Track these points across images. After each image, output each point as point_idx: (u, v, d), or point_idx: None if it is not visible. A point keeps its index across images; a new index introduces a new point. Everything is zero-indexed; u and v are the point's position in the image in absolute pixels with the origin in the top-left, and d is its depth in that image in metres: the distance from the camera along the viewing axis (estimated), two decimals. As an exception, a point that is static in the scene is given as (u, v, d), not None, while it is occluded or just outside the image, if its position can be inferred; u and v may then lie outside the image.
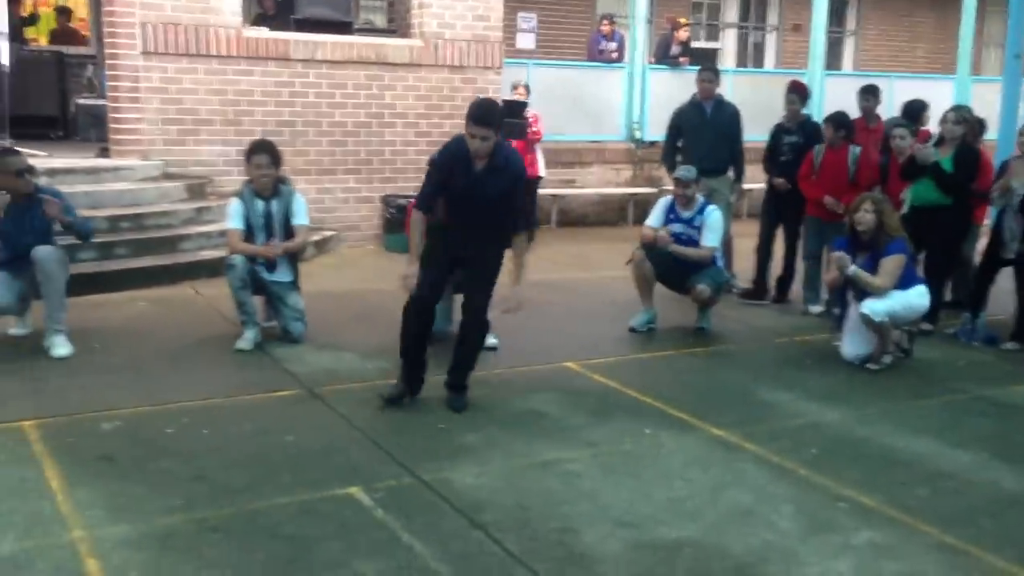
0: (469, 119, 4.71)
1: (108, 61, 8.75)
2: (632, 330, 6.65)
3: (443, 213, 5.07)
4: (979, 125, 7.54)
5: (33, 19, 12.77)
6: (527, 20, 14.46)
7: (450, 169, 4.86)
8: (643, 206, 11.56)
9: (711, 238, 6.62)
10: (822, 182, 7.24)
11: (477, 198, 4.85)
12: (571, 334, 6.61)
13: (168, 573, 3.25)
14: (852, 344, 6.02)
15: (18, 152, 5.88)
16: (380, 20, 12.94)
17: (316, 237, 8.45)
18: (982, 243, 7.06)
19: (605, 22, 13.01)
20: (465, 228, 4.95)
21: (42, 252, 5.56)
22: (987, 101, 10.62)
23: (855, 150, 7.27)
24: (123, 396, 4.97)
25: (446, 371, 5.08)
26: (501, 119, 4.82)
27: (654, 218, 6.87)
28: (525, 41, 14.37)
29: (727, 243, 7.62)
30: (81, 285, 6.02)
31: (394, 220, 9.14)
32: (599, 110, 12.14)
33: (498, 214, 4.93)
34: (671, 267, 6.67)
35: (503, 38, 10.36)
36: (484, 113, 4.72)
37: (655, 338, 6.61)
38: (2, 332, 5.93)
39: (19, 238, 5.64)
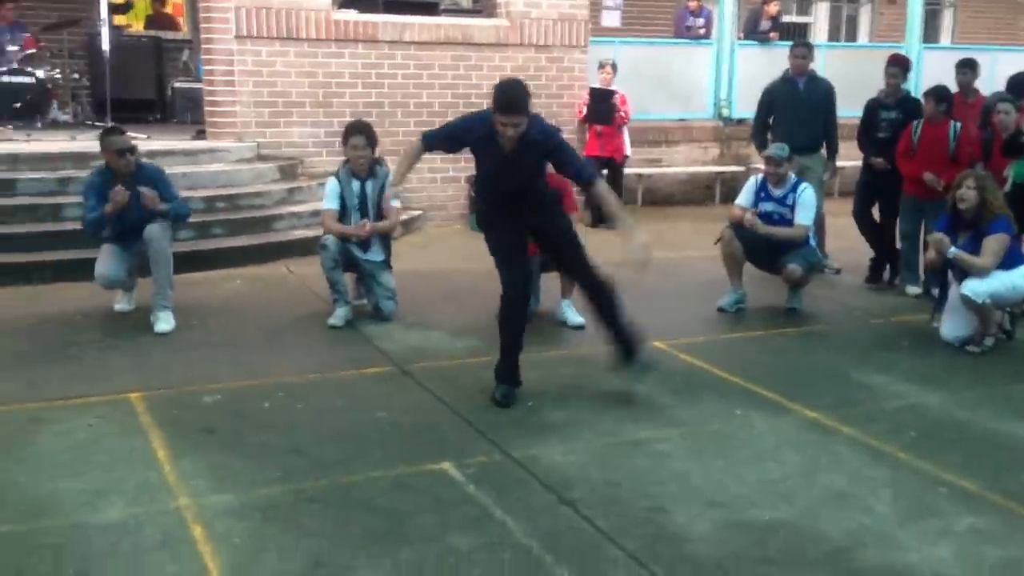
0: (498, 109, 4.46)
1: (204, 45, 8.98)
2: (721, 310, 6.57)
3: (482, 195, 5.01)
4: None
5: (128, 6, 13.14)
6: (613, -3, 14.30)
7: (472, 144, 4.74)
8: (730, 185, 11.38)
9: (804, 216, 6.48)
10: (921, 159, 7.01)
11: (511, 176, 4.71)
12: (659, 314, 6.54)
13: (269, 541, 3.36)
14: (952, 326, 5.85)
15: (122, 132, 6.08)
16: (466, 1, 12.98)
17: (404, 217, 8.54)
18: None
19: (693, -2, 12.79)
20: (513, 201, 4.79)
21: (153, 229, 5.77)
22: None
23: (955, 125, 7.02)
24: (222, 371, 5.13)
25: (612, 342, 4.90)
26: (529, 97, 4.58)
27: (744, 197, 6.76)
28: (610, 19, 14.18)
29: (819, 222, 7.46)
30: (179, 263, 6.21)
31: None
32: (686, 88, 11.96)
33: (538, 183, 4.84)
34: (761, 246, 6.56)
35: (589, 16, 10.29)
36: (513, 101, 4.46)
37: (744, 318, 6.52)
38: (109, 308, 6.16)
39: (127, 213, 5.84)
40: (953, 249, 5.66)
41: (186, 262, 6.69)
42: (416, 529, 3.47)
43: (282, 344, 5.66)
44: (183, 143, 8.93)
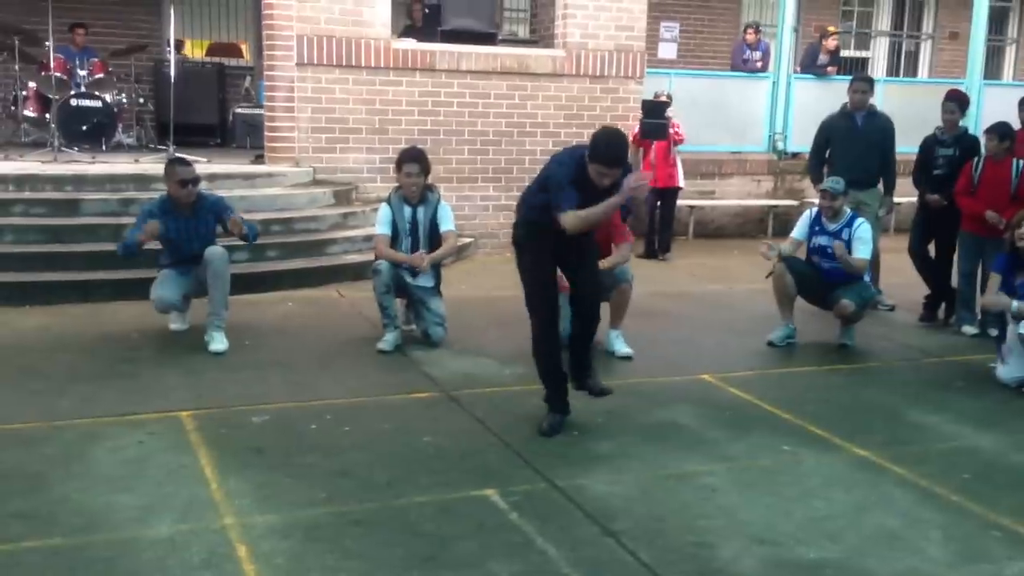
0: (602, 161, 4.35)
1: (266, 72, 9.17)
2: (771, 344, 6.50)
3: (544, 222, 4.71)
4: None
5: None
6: (670, 29, 14.34)
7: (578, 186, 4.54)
8: (783, 219, 11.29)
9: (863, 251, 6.41)
10: (981, 196, 6.90)
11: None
12: (708, 346, 6.52)
13: (313, 562, 3.39)
14: (1010, 367, 5.72)
15: (187, 163, 6.23)
16: (523, 31, 13.11)
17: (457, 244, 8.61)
18: None
19: (750, 31, 12.78)
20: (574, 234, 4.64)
21: (215, 253, 5.93)
22: None
23: (1018, 163, 6.91)
24: (272, 391, 5.20)
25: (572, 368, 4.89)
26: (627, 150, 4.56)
27: (799, 230, 6.71)
28: (666, 51, 14.25)
29: (874, 258, 7.36)
30: (234, 284, 6.32)
31: (531, 228, 9.21)
32: (741, 120, 11.92)
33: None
34: (813, 281, 6.50)
35: (645, 48, 10.33)
36: (619, 156, 4.41)
37: (795, 353, 6.44)
38: (164, 327, 6.29)
39: (187, 245, 6.04)
40: (1015, 304, 5.51)
41: (241, 283, 6.80)
42: (458, 555, 3.48)
43: (331, 367, 5.72)
44: (242, 167, 9.12)
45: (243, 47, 13.52)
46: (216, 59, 12.98)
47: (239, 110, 11.94)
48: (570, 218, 4.39)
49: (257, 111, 10.94)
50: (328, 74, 8.99)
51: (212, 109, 12.23)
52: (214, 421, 4.71)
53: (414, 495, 3.95)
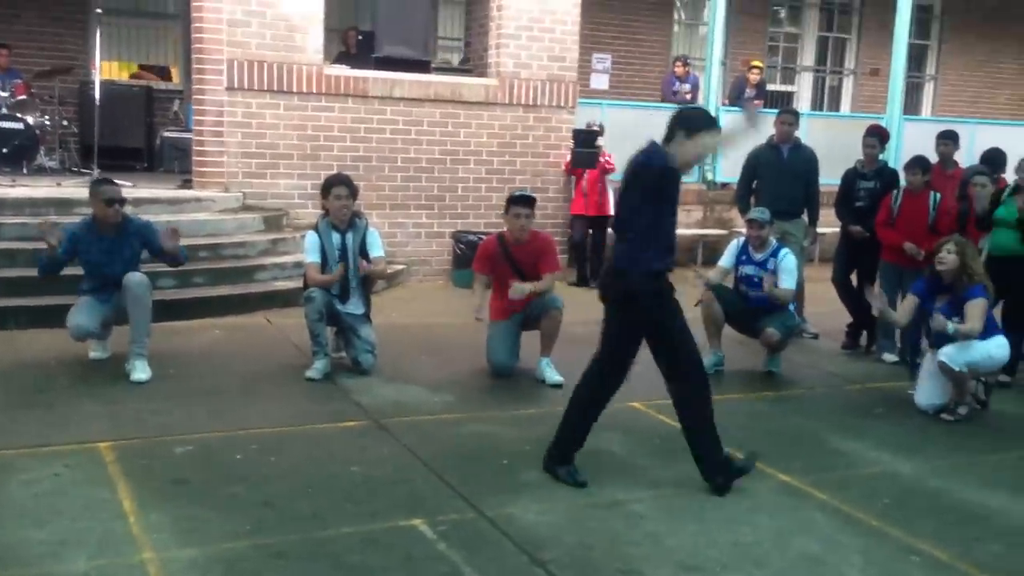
0: (712, 127, 4.32)
1: (195, 96, 9.06)
2: (700, 372, 6.57)
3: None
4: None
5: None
6: (602, 61, 14.55)
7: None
8: (713, 248, 11.47)
9: (788, 281, 6.55)
10: (901, 228, 7.11)
11: None
12: (638, 374, 6.47)
13: (233, 596, 3.31)
14: (927, 393, 5.88)
15: (113, 183, 6.11)
16: (457, 60, 13.17)
17: (388, 271, 8.57)
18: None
19: (679, 64, 13.04)
20: None
21: (134, 278, 5.78)
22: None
23: (935, 196, 7.14)
24: (196, 421, 5.09)
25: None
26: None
27: (726, 259, 6.84)
28: (599, 82, 14.44)
29: (799, 287, 7.52)
30: (159, 312, 6.20)
31: (464, 256, 9.22)
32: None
33: None
34: (740, 309, 6.61)
35: (577, 78, 10.46)
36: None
37: (722, 381, 6.51)
38: (84, 355, 6.12)
39: (109, 268, 5.88)
40: (951, 326, 5.67)
41: (165, 311, 6.67)
42: (384, 587, 3.43)
43: (258, 395, 5.62)
44: (168, 192, 8.96)
45: (173, 70, 13.33)
46: (144, 82, 12.76)
47: (167, 134, 11.76)
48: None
49: (186, 135, 10.77)
50: (259, 99, 8.90)
51: (139, 132, 12.00)
52: (134, 452, 4.59)
53: (340, 526, 3.89)
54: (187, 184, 9.26)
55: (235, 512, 3.97)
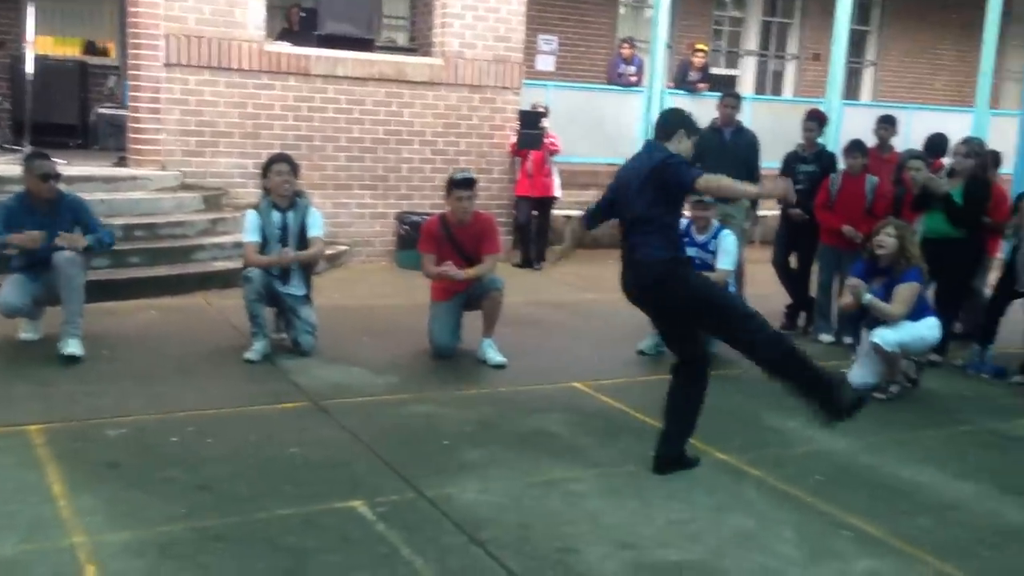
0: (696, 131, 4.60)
1: (130, 72, 8.85)
2: (641, 353, 6.64)
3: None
4: (992, 158, 7.52)
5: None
6: (548, 42, 14.52)
7: None
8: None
9: (726, 262, 6.61)
10: (839, 211, 7.23)
11: None
12: (580, 355, 6.61)
13: (167, 580, 3.26)
14: (860, 373, 5.98)
15: (47, 157, 5.96)
16: (402, 38, 13.04)
17: (330, 251, 8.49)
18: (994, 276, 7.03)
19: (625, 46, 13.07)
20: None
21: (64, 257, 5.63)
22: (1005, 134, 10.59)
23: (872, 179, 7.27)
24: (130, 403, 5.00)
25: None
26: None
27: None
28: (545, 63, 14.42)
29: (739, 269, 7.60)
30: (93, 292, 6.07)
31: (407, 236, 9.17)
32: (617, 133, 12.15)
33: None
34: (682, 291, 6.66)
35: (523, 59, 10.43)
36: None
37: (663, 361, 6.51)
38: (14, 336, 5.97)
39: (43, 245, 5.70)
40: (868, 296, 5.81)
41: (100, 291, 6.53)
42: (321, 568, 3.41)
43: (195, 377, 5.54)
44: (103, 170, 8.75)
45: (109, 46, 13.00)
46: (79, 57, 12.43)
47: (102, 110, 11.48)
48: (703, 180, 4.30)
49: (122, 112, 10.52)
50: (198, 76, 8.73)
51: (73, 109, 11.69)
52: (66, 435, 4.49)
53: (277, 508, 3.85)
54: (123, 162, 9.06)
55: (170, 495, 3.91)
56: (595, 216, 4.87)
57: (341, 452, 4.53)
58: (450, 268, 6.07)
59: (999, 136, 10.68)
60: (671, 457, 4.46)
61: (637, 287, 4.54)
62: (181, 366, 5.71)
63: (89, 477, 4.04)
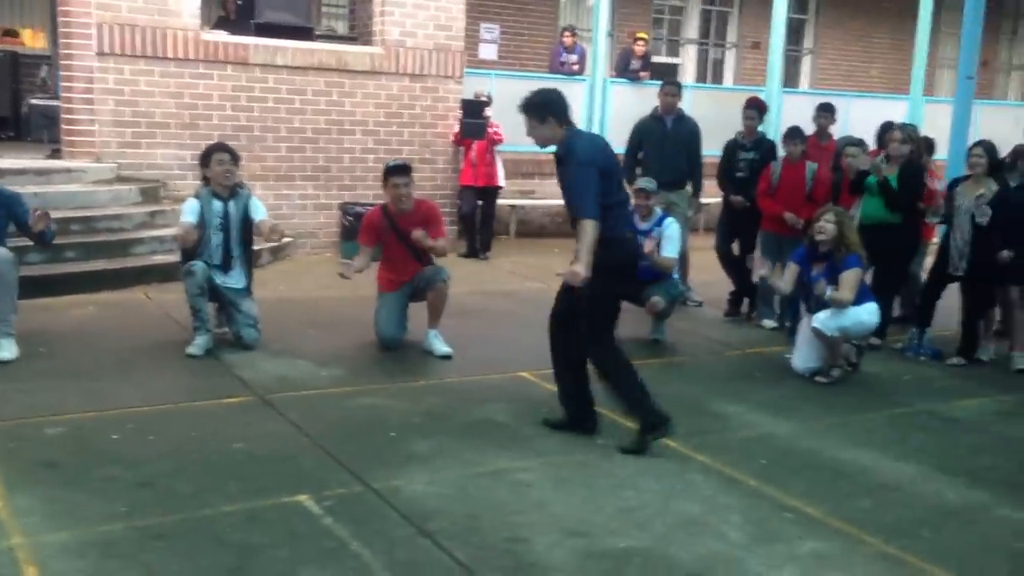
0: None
1: (62, 62, 8.63)
2: (587, 341, 6.65)
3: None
4: (927, 144, 7.68)
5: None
6: (490, 31, 14.48)
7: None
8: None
9: (671, 249, 6.66)
10: (780, 198, 7.32)
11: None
12: (527, 344, 6.57)
13: (108, 581, 3.20)
14: (802, 357, 6.10)
15: None
16: (342, 27, 12.90)
17: (274, 244, 8.38)
18: (929, 260, 7.19)
19: (567, 34, 13.08)
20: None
21: None
22: (939, 121, 10.82)
23: (812, 166, 7.38)
24: (68, 401, 4.88)
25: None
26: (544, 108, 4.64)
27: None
28: (487, 52, 14.38)
29: (683, 256, 7.67)
30: (28, 288, 5.92)
31: (352, 227, 9.09)
32: (559, 122, 12.15)
33: None
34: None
35: (465, 48, 10.38)
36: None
37: (609, 349, 6.61)
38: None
39: None
40: (829, 291, 5.88)
41: (34, 287, 6.37)
42: (268, 564, 3.37)
43: (136, 373, 5.43)
44: (36, 162, 8.54)
45: (28, 34, 12.61)
46: (9, 46, 12.08)
47: (35, 101, 11.19)
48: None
49: (55, 103, 10.26)
50: (132, 65, 8.53)
51: (4, 100, 11.41)
52: (1, 435, 4.37)
53: (221, 504, 3.80)
54: (56, 154, 8.85)
55: (110, 494, 3.83)
56: None
57: (286, 446, 4.48)
58: (424, 234, 6.01)
59: (932, 123, 10.94)
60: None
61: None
62: (120, 362, 5.60)
63: (26, 477, 3.94)
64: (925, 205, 6.92)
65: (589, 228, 4.44)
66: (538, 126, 4.65)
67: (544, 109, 4.64)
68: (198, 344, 5.79)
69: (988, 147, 6.68)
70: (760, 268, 6.29)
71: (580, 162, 4.55)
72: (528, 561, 3.49)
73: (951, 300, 6.84)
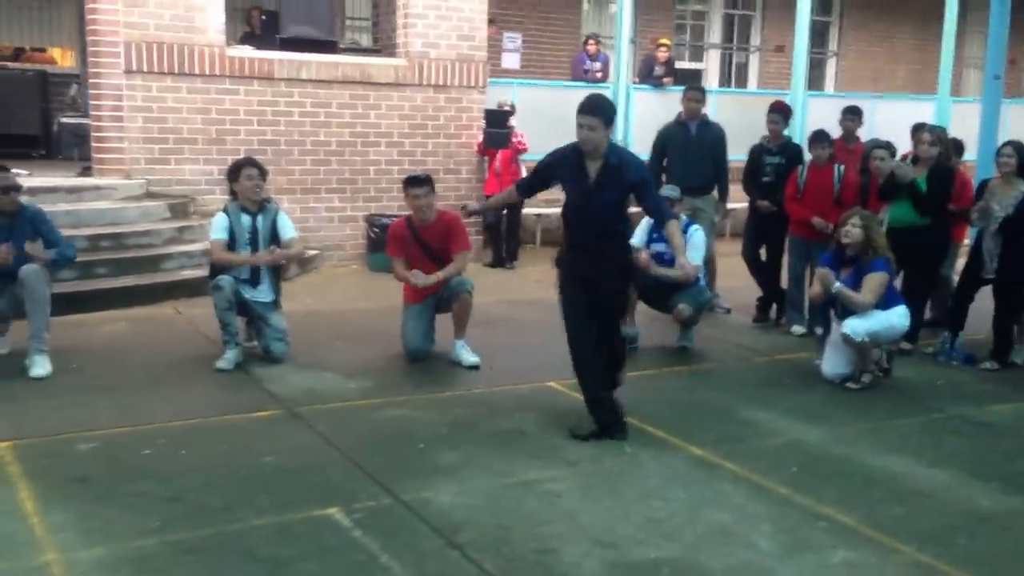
0: (577, 111, 4.76)
1: (91, 80, 8.75)
2: (614, 349, 6.63)
3: (565, 234, 5.14)
4: (955, 145, 7.60)
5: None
6: (512, 40, 14.51)
7: (561, 175, 4.99)
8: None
9: (694, 256, 6.62)
10: (807, 202, 7.26)
11: (593, 208, 4.87)
12: (554, 353, 6.53)
13: (141, 596, 3.23)
14: (832, 363, 6.04)
15: (7, 168, 5.87)
16: (365, 40, 12.97)
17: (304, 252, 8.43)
18: (961, 263, 7.11)
19: (590, 42, 13.08)
20: (591, 240, 4.94)
21: (28, 270, 5.55)
22: (967, 121, 10.71)
23: (839, 169, 7.32)
24: (100, 417, 4.93)
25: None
26: (612, 112, 4.85)
27: (638, 236, 6.88)
28: (510, 61, 14.41)
29: (710, 262, 7.64)
30: (60, 305, 5.99)
31: (378, 239, 9.13)
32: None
33: (617, 222, 4.97)
34: (653, 286, 6.67)
35: (488, 57, 10.41)
36: (590, 103, 4.78)
37: (637, 357, 6.58)
38: (-20, 352, 5.89)
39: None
40: (837, 285, 5.86)
41: (66, 303, 6.45)
42: (298, 578, 3.39)
43: (166, 388, 5.48)
44: (67, 180, 8.66)
45: (57, 53, 12.79)
46: (38, 65, 12.26)
47: (65, 119, 11.33)
48: None
49: (85, 121, 10.39)
50: (159, 82, 8.64)
51: (34, 118, 11.53)
52: (35, 451, 4.43)
53: (252, 518, 3.82)
54: (87, 172, 8.96)
55: (143, 509, 3.87)
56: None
57: (316, 459, 4.50)
58: (416, 275, 6.03)
59: (960, 123, 10.82)
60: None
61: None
62: (151, 377, 5.65)
63: (61, 493, 3.99)
64: (955, 207, 6.84)
65: (676, 226, 5.08)
66: (602, 129, 4.77)
67: (613, 114, 4.85)
68: (228, 358, 5.84)
69: (1018, 147, 6.60)
70: (822, 280, 6.12)
71: (647, 171, 5.10)
72: (558, 572, 3.49)
73: (983, 303, 6.75)
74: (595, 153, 4.79)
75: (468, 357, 6.10)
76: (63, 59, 12.84)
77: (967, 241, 7.31)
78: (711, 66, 16.79)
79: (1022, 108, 14.41)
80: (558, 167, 4.97)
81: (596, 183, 4.82)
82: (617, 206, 4.91)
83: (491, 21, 12.01)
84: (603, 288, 4.92)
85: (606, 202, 4.84)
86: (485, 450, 4.66)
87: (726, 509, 4.06)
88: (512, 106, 10.15)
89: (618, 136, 12.27)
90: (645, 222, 6.92)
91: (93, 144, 8.82)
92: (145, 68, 8.56)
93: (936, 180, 6.69)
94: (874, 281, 5.85)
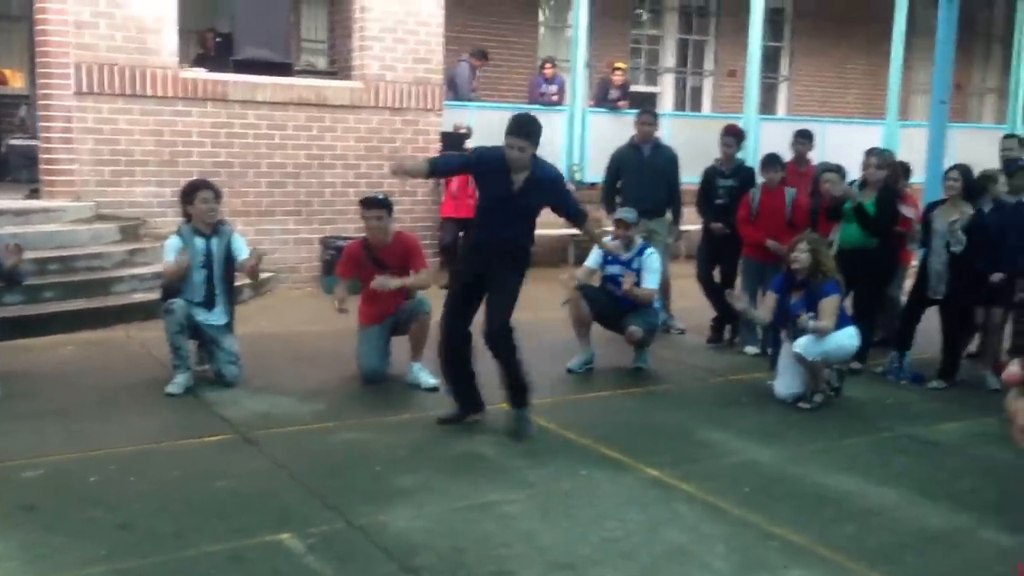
0: (507, 132, 4.91)
1: (41, 101, 8.63)
2: (570, 371, 6.66)
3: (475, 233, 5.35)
4: (903, 168, 7.76)
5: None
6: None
7: (482, 174, 5.15)
8: (584, 247, 11.62)
9: (651, 280, 6.69)
10: (761, 224, 7.36)
11: (510, 215, 5.02)
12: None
13: (88, 626, 3.16)
14: (785, 383, 6.11)
15: None
16: (322, 62, 12.94)
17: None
18: (908, 283, 7.24)
19: (547, 65, 13.18)
20: (499, 244, 5.06)
21: None
22: (914, 145, 10.93)
23: (791, 192, 7.43)
24: (48, 443, 4.84)
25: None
26: (540, 133, 5.01)
27: (592, 259, 6.94)
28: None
29: (665, 284, 7.71)
30: (6, 329, 5.90)
31: (333, 261, 9.06)
32: (540, 152, 12.15)
33: (528, 230, 5.18)
34: (607, 307, 6.72)
35: (444, 81, 10.44)
36: (520, 125, 4.92)
37: (593, 379, 6.63)
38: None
39: None
40: (811, 323, 5.91)
41: (12, 328, 6.33)
42: (250, 605, 3.33)
43: (117, 413, 5.39)
44: (14, 203, 8.51)
45: (8, 73, 12.60)
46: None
47: (13, 141, 11.15)
48: None
49: (34, 142, 10.23)
50: (111, 104, 8.54)
51: (-19, 140, 11.36)
52: (-22, 479, 4.33)
53: (204, 545, 3.76)
54: (35, 194, 8.82)
55: (90, 536, 3.79)
56: None
57: (269, 484, 4.44)
58: (386, 280, 5.99)
59: (908, 147, 11.05)
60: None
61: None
62: (101, 402, 5.55)
63: (5, 522, 3.90)
64: (902, 230, 6.98)
65: (592, 224, 5.48)
66: (531, 149, 4.96)
67: (540, 134, 5.01)
68: (178, 382, 5.76)
69: (964, 170, 6.76)
70: (738, 302, 6.33)
71: (563, 179, 5.49)
72: (514, 595, 3.47)
73: (930, 323, 6.88)
74: (522, 168, 4.98)
75: (426, 379, 6.07)
76: (12, 80, 12.63)
77: (915, 262, 7.45)
78: (666, 90, 16.99)
79: (968, 132, 14.77)
80: (485, 172, 5.13)
81: (520, 191, 5.02)
82: (534, 214, 5.16)
83: (484, 55, 12.18)
84: (495, 271, 5.05)
85: (524, 209, 5.08)
86: (442, 473, 4.64)
87: (681, 529, 4.08)
88: (468, 129, 10.17)
89: (573, 159, 12.37)
90: (596, 248, 6.95)
91: (42, 166, 8.69)
92: (96, 89, 8.47)
93: (884, 203, 6.82)
94: (830, 305, 5.94)
